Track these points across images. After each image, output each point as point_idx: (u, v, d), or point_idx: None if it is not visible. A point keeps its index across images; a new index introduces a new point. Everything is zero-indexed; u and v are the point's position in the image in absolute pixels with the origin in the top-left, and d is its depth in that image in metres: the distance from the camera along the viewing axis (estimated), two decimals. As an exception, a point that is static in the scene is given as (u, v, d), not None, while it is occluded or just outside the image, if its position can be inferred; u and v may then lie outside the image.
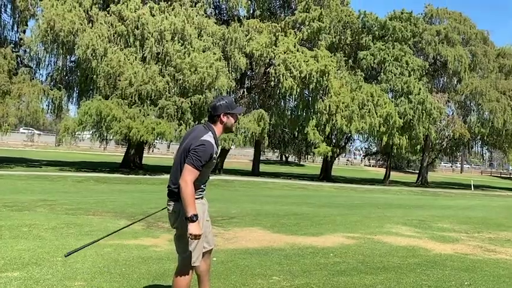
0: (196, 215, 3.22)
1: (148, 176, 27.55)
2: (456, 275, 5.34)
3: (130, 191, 18.14)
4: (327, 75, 30.42)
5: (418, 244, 7.31)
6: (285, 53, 30.54)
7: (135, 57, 27.09)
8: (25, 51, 29.03)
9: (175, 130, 26.33)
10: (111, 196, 14.67)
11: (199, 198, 3.43)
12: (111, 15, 27.80)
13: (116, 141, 54.68)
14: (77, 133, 27.77)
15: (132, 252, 5.63)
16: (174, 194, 3.36)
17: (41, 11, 27.48)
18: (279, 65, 30.32)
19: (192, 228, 3.21)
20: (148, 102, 26.85)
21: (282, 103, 34.71)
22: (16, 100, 26.30)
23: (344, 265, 5.56)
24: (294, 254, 6.04)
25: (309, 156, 54.12)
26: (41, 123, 32.10)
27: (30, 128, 30.97)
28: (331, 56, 32.23)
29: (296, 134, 35.74)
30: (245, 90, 35.22)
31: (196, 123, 25.23)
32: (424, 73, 37.28)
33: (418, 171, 47.24)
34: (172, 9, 28.60)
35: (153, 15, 27.88)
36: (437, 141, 41.54)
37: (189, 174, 3.23)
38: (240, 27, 30.93)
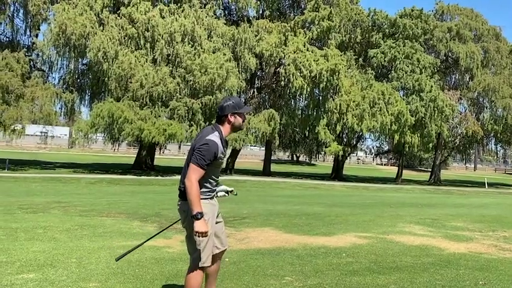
0: (201, 213, 3.27)
1: (160, 177, 27.72)
2: (470, 275, 5.28)
3: (143, 192, 18.27)
4: (337, 74, 30.32)
5: (432, 243, 7.25)
6: (294, 52, 30.50)
7: (146, 59, 27.28)
8: (38, 55, 29.42)
9: (186, 131, 26.46)
10: (123, 197, 14.79)
11: (208, 198, 3.47)
12: (121, 17, 28.03)
13: (128, 143, 55.09)
14: (89, 135, 28.05)
15: (145, 253, 5.67)
16: (183, 194, 3.41)
17: (53, 15, 27.84)
18: (288, 64, 30.29)
19: (198, 226, 3.26)
20: (159, 103, 27.02)
21: (293, 103, 34.66)
22: (29, 103, 26.68)
23: (357, 265, 5.54)
24: (306, 254, 6.03)
25: (320, 156, 53.91)
26: (53, 126, 32.50)
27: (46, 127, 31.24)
28: (341, 55, 32.12)
29: (307, 133, 35.65)
30: (255, 90, 35.25)
31: (207, 124, 25.35)
32: (435, 70, 36.93)
33: (430, 170, 46.81)
34: (182, 11, 28.74)
35: (163, 17, 28.04)
36: (449, 139, 41.10)
37: (193, 173, 3.31)
38: (250, 27, 30.97)
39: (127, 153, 56.45)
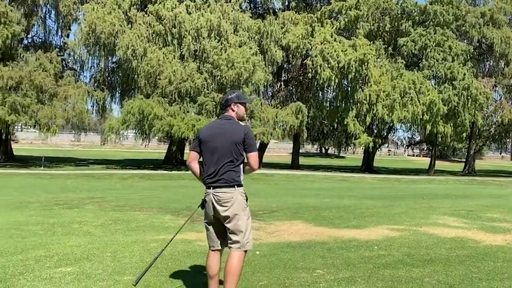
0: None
1: (190, 172, 28.01)
2: (509, 267, 5.11)
3: (174, 186, 18.55)
4: (366, 64, 29.81)
5: (467, 235, 7.06)
6: (321, 43, 30.13)
7: (174, 56, 27.58)
8: (69, 54, 30.24)
9: (215, 126, 26.60)
10: (155, 192, 15.07)
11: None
12: (149, 15, 28.41)
13: (158, 139, 55.94)
14: (121, 132, 28.65)
15: (177, 246, 5.76)
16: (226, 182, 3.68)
17: (83, 15, 28.49)
18: (316, 56, 29.96)
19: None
20: (187, 99, 27.31)
21: (320, 95, 34.32)
22: (62, 102, 27.46)
23: (389, 258, 5.45)
24: (337, 247, 5.98)
25: (349, 148, 53.24)
26: (86, 124, 33.35)
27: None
28: (369, 44, 31.49)
29: (335, 125, 35.26)
30: (282, 83, 35.09)
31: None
32: (468, 57, 35.73)
33: (464, 160, 45.55)
34: (208, 6, 28.86)
35: (190, 13, 28.24)
36: (484, 128, 39.79)
37: (258, 160, 3.76)
38: (276, 20, 30.79)
39: (158, 149, 57.39)
